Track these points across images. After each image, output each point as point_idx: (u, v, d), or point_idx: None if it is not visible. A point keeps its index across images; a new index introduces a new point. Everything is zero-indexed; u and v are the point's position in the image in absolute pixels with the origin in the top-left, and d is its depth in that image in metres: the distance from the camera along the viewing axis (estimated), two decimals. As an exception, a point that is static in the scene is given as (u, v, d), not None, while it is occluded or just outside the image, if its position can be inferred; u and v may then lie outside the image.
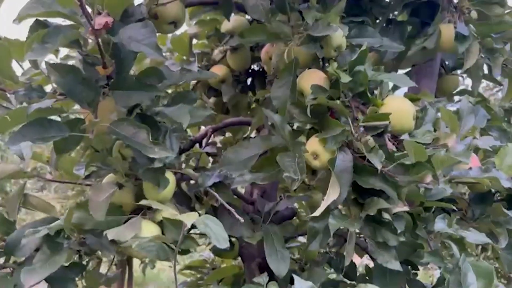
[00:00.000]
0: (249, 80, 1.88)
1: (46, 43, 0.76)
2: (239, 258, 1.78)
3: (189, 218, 0.78)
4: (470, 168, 1.02)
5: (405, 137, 1.01)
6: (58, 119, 0.95)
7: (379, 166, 0.95)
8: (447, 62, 1.68)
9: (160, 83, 0.91)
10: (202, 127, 1.78)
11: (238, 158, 1.10)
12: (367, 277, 1.44)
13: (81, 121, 0.91)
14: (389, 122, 1.02)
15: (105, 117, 0.90)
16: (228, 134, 2.01)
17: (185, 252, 1.02)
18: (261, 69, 1.86)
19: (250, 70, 1.85)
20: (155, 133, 0.89)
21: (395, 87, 1.43)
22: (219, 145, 1.91)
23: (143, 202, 0.85)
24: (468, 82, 2.14)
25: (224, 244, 0.79)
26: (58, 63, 0.82)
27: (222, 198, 1.11)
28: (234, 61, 1.72)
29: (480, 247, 1.58)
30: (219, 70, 1.75)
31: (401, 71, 1.62)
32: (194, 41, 1.84)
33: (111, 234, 0.82)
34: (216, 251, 1.68)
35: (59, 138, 0.83)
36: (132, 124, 0.86)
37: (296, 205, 1.80)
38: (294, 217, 1.60)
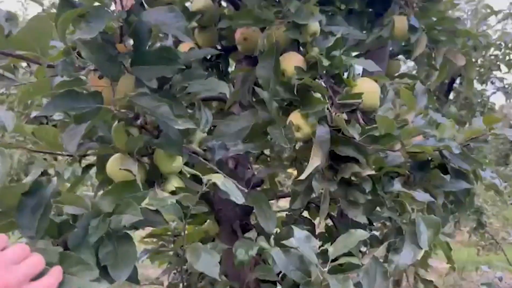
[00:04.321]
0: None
1: (91, 23, 0.83)
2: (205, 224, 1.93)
3: (215, 178, 0.91)
4: (428, 139, 1.26)
5: (378, 112, 1.21)
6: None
7: (357, 137, 1.15)
8: (391, 48, 1.92)
9: (174, 62, 1.01)
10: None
11: (230, 130, 1.24)
12: (326, 235, 1.67)
13: (100, 94, 0.99)
14: (362, 100, 1.22)
15: (123, 92, 0.99)
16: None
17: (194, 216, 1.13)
18: (224, 48, 1.98)
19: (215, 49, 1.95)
20: (179, 110, 0.98)
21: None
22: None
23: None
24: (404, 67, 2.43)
25: (240, 201, 0.94)
26: (89, 40, 0.89)
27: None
28: (203, 39, 1.82)
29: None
30: (187, 47, 1.84)
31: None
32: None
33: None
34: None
35: (87, 109, 0.91)
36: (153, 98, 0.96)
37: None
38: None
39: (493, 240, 5.79)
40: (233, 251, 1.20)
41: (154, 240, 2.26)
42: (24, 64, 1.28)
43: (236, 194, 0.94)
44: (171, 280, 1.87)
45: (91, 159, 1.67)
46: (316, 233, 1.73)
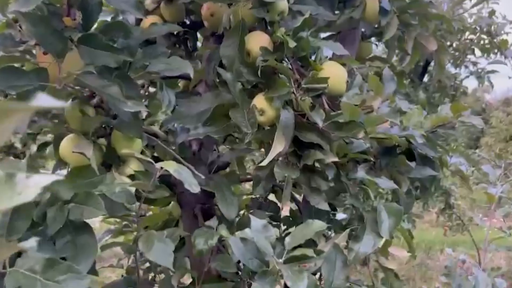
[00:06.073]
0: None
1: (29, -6, 0.76)
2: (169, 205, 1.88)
3: (167, 165, 0.86)
4: (392, 127, 1.23)
5: (343, 98, 1.17)
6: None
7: (320, 123, 1.11)
8: (363, 30, 1.87)
9: (127, 38, 0.94)
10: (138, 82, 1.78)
11: (191, 112, 1.18)
12: (291, 218, 1.65)
13: (46, 71, 0.91)
14: (327, 85, 1.17)
15: (70, 69, 0.92)
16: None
17: (151, 201, 1.09)
18: (192, 23, 1.89)
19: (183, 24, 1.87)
20: (130, 90, 0.92)
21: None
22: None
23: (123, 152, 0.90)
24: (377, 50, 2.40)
25: (196, 189, 0.89)
26: (30, 12, 0.81)
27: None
28: (169, 12, 1.73)
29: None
30: (152, 21, 1.75)
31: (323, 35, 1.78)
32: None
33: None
34: (148, 199, 1.75)
35: (30, 88, 0.84)
36: (101, 77, 0.89)
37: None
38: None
39: (460, 221, 5.96)
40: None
41: (118, 220, 2.21)
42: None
43: (190, 182, 0.89)
44: (131, 264, 1.83)
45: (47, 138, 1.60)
46: (281, 217, 1.71)
